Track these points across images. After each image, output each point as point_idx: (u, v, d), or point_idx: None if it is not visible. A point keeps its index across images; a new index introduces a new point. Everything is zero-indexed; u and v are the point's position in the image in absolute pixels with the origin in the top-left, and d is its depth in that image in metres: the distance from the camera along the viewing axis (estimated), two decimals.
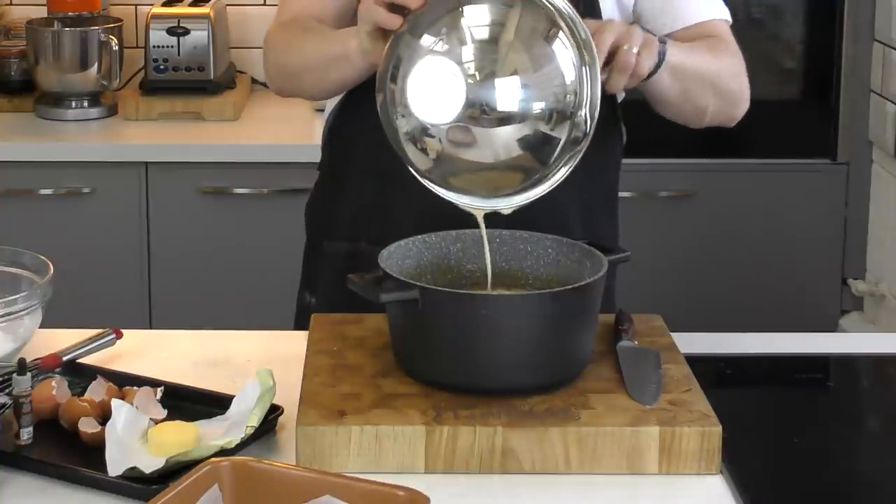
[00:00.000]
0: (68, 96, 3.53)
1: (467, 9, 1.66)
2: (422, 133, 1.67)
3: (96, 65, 3.52)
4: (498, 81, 1.63)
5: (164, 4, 3.71)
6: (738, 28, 3.65)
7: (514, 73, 1.64)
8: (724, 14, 2.12)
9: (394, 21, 1.71)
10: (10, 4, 3.85)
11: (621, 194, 3.45)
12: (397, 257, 1.75)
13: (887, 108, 3.44)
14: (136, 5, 3.82)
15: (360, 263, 1.94)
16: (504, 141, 1.65)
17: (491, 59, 1.64)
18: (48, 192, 3.33)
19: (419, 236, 1.79)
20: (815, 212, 3.58)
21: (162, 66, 3.56)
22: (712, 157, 3.56)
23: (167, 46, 3.57)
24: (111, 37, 3.51)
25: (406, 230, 1.78)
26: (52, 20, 3.61)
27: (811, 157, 3.58)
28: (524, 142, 1.66)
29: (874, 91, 3.53)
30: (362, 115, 1.93)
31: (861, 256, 3.62)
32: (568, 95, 1.66)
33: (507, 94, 1.64)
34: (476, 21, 1.66)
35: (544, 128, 1.66)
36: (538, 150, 1.67)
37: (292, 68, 2.02)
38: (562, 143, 1.67)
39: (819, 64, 3.57)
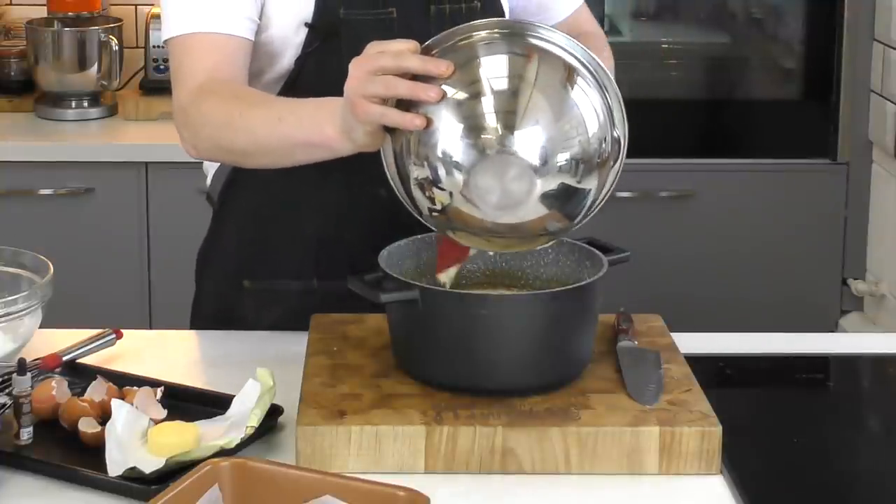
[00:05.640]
0: (68, 96, 3.53)
1: (484, 59, 1.58)
2: (431, 184, 1.58)
3: (96, 65, 3.52)
4: (518, 134, 1.54)
5: None
6: (738, 28, 3.69)
7: (535, 124, 1.55)
8: None
9: (418, 123, 1.55)
10: (10, 4, 3.85)
11: (621, 194, 3.49)
12: (397, 257, 1.75)
13: (887, 108, 3.44)
14: (136, 5, 3.82)
15: (314, 301, 1.92)
16: (529, 198, 1.57)
17: (510, 111, 1.55)
18: (48, 192, 3.33)
19: (419, 236, 1.79)
20: (815, 212, 3.58)
21: (162, 66, 3.56)
22: (712, 157, 3.57)
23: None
24: (111, 37, 3.51)
25: (364, 260, 1.73)
26: (52, 20, 3.61)
27: (811, 157, 3.58)
28: (549, 198, 1.57)
29: (874, 91, 3.53)
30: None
31: (861, 256, 3.62)
32: (592, 143, 1.58)
33: (528, 147, 1.55)
34: (494, 73, 1.57)
35: (571, 180, 1.58)
36: (565, 204, 1.60)
37: (238, 147, 1.78)
38: (591, 193, 1.61)
39: (819, 64, 3.57)
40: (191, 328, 2.08)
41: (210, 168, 2.08)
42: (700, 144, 3.61)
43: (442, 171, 1.57)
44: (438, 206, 1.61)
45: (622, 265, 1.76)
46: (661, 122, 3.50)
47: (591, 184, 1.60)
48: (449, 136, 1.56)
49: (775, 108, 3.61)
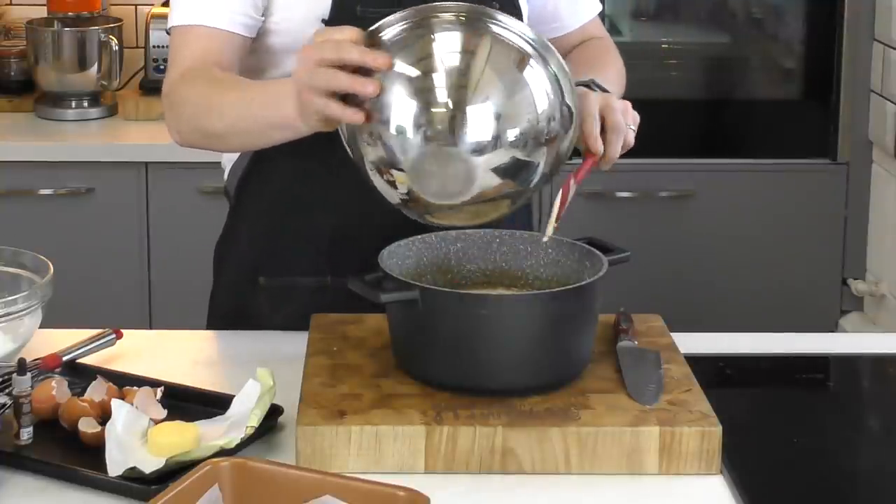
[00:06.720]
0: (68, 96, 3.53)
1: (438, 35, 1.61)
2: (388, 165, 1.62)
3: (96, 65, 3.52)
4: (469, 109, 1.59)
5: (164, 4, 3.71)
6: (738, 28, 3.70)
7: (486, 100, 1.59)
8: (598, 6, 2.16)
9: (356, 118, 1.60)
10: (10, 4, 3.85)
11: (621, 194, 3.49)
12: (397, 257, 1.75)
13: (887, 108, 3.44)
14: (136, 5, 3.82)
15: (327, 298, 1.93)
16: (480, 171, 1.61)
17: (462, 86, 1.59)
18: (48, 192, 3.33)
19: (419, 236, 1.79)
20: (815, 212, 3.58)
21: (162, 66, 3.56)
22: (712, 157, 3.57)
23: (167, 46, 3.55)
24: (111, 37, 3.51)
25: (373, 259, 1.73)
26: (52, 20, 3.61)
27: (811, 157, 3.58)
28: (501, 170, 1.62)
29: (874, 91, 3.53)
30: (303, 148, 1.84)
31: (861, 256, 3.62)
32: (541, 122, 1.62)
33: (480, 122, 1.59)
34: (447, 48, 1.61)
35: (520, 154, 1.62)
36: (517, 175, 1.64)
37: (216, 130, 1.84)
38: (541, 166, 1.64)
39: (819, 64, 3.57)
40: (207, 324, 2.10)
41: (227, 163, 2.09)
42: (700, 144, 3.61)
43: (397, 150, 1.60)
44: (405, 191, 1.63)
45: (622, 265, 1.76)
46: (661, 122, 3.50)
47: (540, 158, 1.64)
48: (400, 114, 1.59)
49: (775, 108, 3.61)
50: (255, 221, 2.04)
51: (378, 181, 1.66)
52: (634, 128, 1.79)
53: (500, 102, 1.60)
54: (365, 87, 1.59)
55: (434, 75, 1.60)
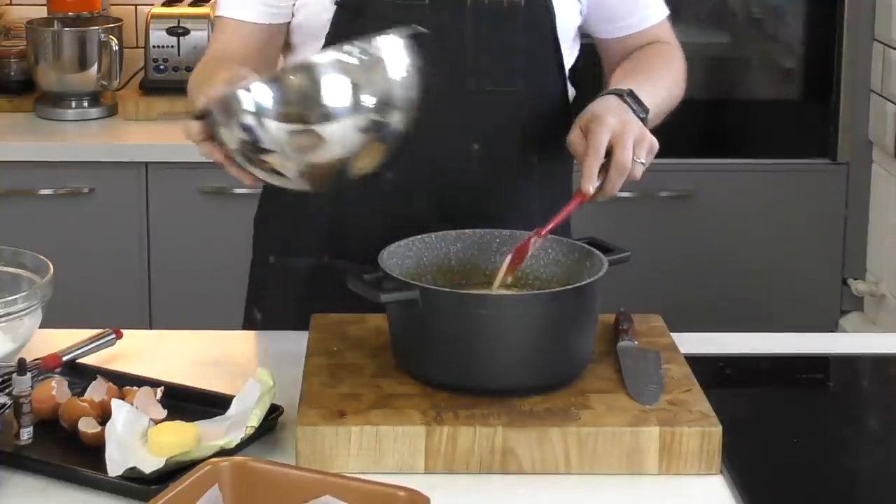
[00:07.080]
0: (68, 96, 3.53)
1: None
2: (258, 151, 1.64)
3: (96, 65, 3.52)
4: (325, 79, 1.61)
5: (164, 4, 3.71)
6: (738, 28, 3.69)
7: (340, 71, 1.62)
8: (665, 11, 2.14)
9: (248, 183, 1.71)
10: (10, 4, 3.85)
11: (621, 194, 3.48)
12: (397, 257, 1.75)
13: (887, 108, 3.44)
14: (136, 5, 3.82)
15: (325, 279, 1.94)
16: (346, 133, 1.62)
17: (311, 67, 1.63)
18: (48, 192, 3.33)
19: (419, 236, 1.79)
20: (815, 212, 3.58)
21: (162, 66, 3.56)
22: (712, 157, 3.57)
23: (167, 46, 3.57)
24: (111, 37, 3.51)
25: (372, 240, 1.76)
26: (52, 20, 3.61)
27: (811, 157, 3.58)
28: (366, 129, 1.63)
29: (874, 91, 3.53)
30: None
31: (861, 256, 3.62)
32: (394, 91, 1.64)
33: (336, 90, 1.61)
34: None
35: (375, 116, 1.63)
36: (380, 130, 1.65)
37: None
38: (402, 125, 1.67)
39: (819, 64, 3.57)
40: (246, 299, 2.14)
41: None
42: (700, 144, 3.61)
43: (262, 133, 1.62)
44: (291, 174, 1.65)
45: (622, 265, 1.76)
46: (662, 121, 3.50)
47: (399, 119, 1.66)
48: (260, 100, 1.62)
49: (775, 108, 3.61)
50: (271, 200, 2.10)
51: (258, 171, 1.67)
52: (646, 162, 1.78)
53: (354, 72, 1.62)
54: (243, 180, 1.71)
55: (291, 71, 1.66)
